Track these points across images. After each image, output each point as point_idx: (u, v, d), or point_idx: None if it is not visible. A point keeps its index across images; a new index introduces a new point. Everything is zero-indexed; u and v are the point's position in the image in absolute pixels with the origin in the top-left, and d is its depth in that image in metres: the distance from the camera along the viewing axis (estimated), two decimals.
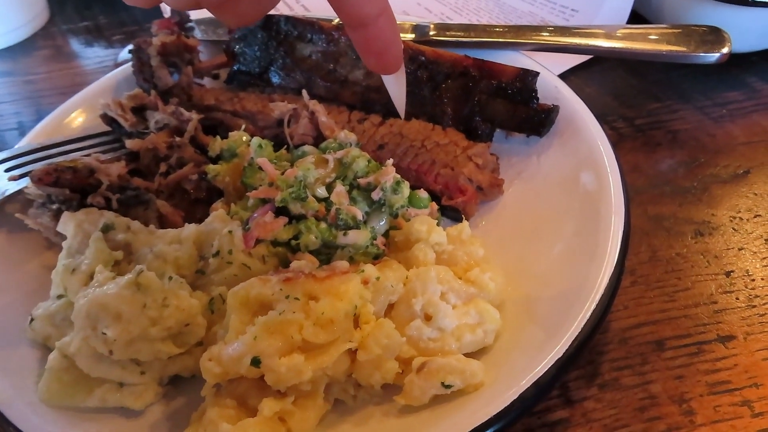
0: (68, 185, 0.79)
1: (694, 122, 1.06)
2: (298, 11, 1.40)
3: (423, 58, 0.94)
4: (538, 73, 0.89)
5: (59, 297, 0.71)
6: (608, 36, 1.01)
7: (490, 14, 1.34)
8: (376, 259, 0.74)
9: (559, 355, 0.61)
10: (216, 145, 0.87)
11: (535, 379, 0.60)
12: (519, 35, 1.04)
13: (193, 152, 0.90)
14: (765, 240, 0.86)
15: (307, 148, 0.85)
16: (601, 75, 1.18)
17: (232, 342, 0.61)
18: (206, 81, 1.08)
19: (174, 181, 0.86)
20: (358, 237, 0.74)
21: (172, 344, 0.66)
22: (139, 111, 0.95)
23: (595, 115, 0.87)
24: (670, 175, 0.97)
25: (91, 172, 0.79)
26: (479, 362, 0.64)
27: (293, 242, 0.74)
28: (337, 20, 1.05)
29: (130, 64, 1.02)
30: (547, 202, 0.84)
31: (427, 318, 0.67)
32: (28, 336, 0.72)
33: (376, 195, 0.77)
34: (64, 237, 0.77)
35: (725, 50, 0.96)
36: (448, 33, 1.07)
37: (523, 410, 0.60)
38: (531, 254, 0.78)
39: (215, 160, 0.87)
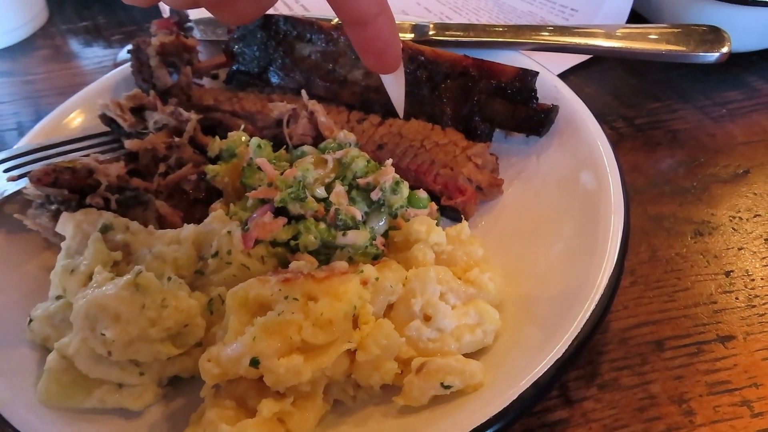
0: (67, 186, 0.79)
1: (693, 122, 1.06)
2: (298, 11, 1.40)
3: (422, 57, 0.94)
4: (537, 73, 0.89)
5: (58, 298, 0.71)
6: (608, 35, 1.01)
7: (489, 14, 1.34)
8: (375, 259, 0.74)
9: (559, 356, 0.61)
10: (215, 145, 0.87)
11: (534, 380, 0.59)
12: (518, 35, 1.03)
13: (192, 152, 0.90)
14: (765, 240, 0.86)
15: (306, 148, 0.85)
16: (601, 75, 1.17)
17: (230, 343, 0.61)
18: (205, 81, 1.08)
19: (173, 182, 0.86)
20: (357, 237, 0.74)
21: (171, 345, 0.66)
22: (138, 111, 0.94)
23: (594, 115, 0.87)
24: (669, 175, 0.97)
25: (89, 172, 0.79)
26: (478, 362, 0.64)
27: (292, 243, 0.74)
28: (336, 20, 1.05)
29: (129, 64, 1.02)
30: (547, 202, 0.84)
31: (427, 318, 0.67)
32: (26, 337, 0.72)
33: (375, 195, 0.77)
34: (62, 237, 0.76)
35: (725, 50, 0.96)
36: (447, 33, 1.07)
37: (523, 411, 0.59)
38: (530, 254, 0.78)
39: (214, 161, 0.87)
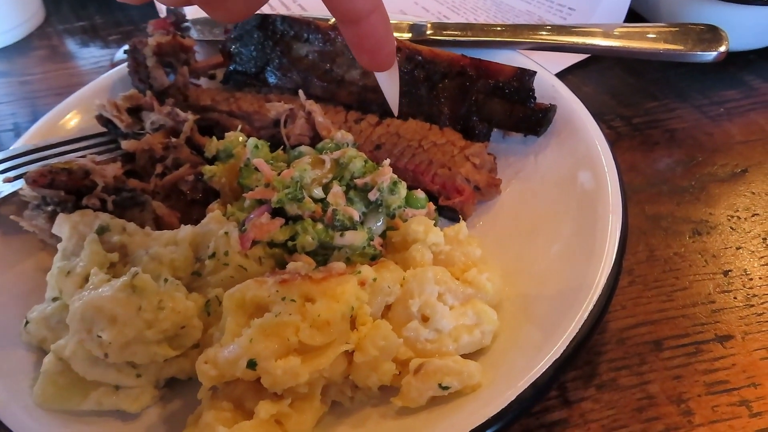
0: (63, 187, 0.79)
1: (691, 121, 1.06)
2: (295, 11, 1.39)
3: (420, 57, 0.93)
4: (535, 73, 0.89)
5: (54, 299, 0.71)
6: (606, 35, 1.01)
7: (487, 13, 1.34)
8: (373, 259, 0.74)
9: (557, 356, 0.61)
10: (212, 145, 0.86)
11: (532, 380, 0.59)
12: (516, 34, 1.03)
13: (189, 153, 0.89)
14: (763, 239, 0.86)
15: (303, 148, 0.85)
16: (599, 74, 1.17)
17: (227, 344, 0.61)
18: (202, 81, 1.08)
19: (170, 182, 0.86)
20: (354, 238, 0.73)
21: (167, 347, 0.65)
22: (135, 112, 0.94)
23: (592, 114, 0.87)
24: (667, 174, 0.97)
25: (86, 173, 0.79)
26: (477, 363, 0.64)
27: (290, 243, 0.74)
28: (333, 20, 1.04)
29: (125, 64, 1.01)
30: (545, 202, 0.83)
31: (425, 319, 0.67)
32: (23, 339, 0.72)
33: (372, 195, 0.77)
34: (59, 239, 0.76)
35: (722, 49, 0.96)
36: (445, 32, 1.07)
37: (521, 411, 0.59)
38: (528, 254, 0.78)
39: (211, 161, 0.87)
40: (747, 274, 0.81)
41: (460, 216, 0.84)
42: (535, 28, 1.04)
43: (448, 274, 0.70)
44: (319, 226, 0.74)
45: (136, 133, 0.92)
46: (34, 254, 0.83)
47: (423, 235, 0.74)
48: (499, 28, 1.05)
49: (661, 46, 0.98)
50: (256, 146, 0.81)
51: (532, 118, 0.89)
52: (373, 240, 0.76)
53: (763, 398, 0.68)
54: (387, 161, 0.79)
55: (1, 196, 0.84)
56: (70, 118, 1.00)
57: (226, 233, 0.72)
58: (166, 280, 0.67)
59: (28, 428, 0.63)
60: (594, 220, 0.74)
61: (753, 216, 0.89)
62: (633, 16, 1.25)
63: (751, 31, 1.13)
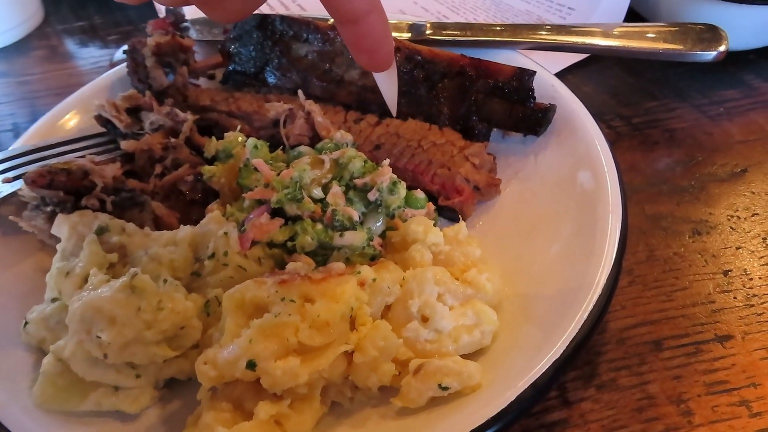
0: (62, 187, 0.78)
1: (691, 120, 1.06)
2: (295, 11, 1.39)
3: (419, 57, 0.93)
4: (534, 72, 0.89)
5: (53, 300, 0.71)
6: (605, 34, 1.01)
7: (486, 13, 1.34)
8: (372, 260, 0.74)
9: (557, 356, 0.61)
10: (211, 146, 0.86)
11: (532, 381, 0.59)
12: (516, 34, 1.03)
13: (189, 153, 0.89)
14: (763, 239, 0.86)
15: (303, 148, 0.85)
16: (598, 73, 1.17)
17: (227, 345, 0.60)
18: (202, 81, 1.08)
19: (169, 183, 0.86)
20: (354, 238, 0.73)
21: (167, 347, 0.65)
22: (134, 112, 0.94)
23: (592, 114, 0.87)
24: (667, 174, 0.97)
25: (85, 174, 0.79)
26: (476, 364, 0.64)
27: (289, 244, 0.74)
28: (332, 20, 1.04)
29: (124, 64, 1.01)
30: (545, 202, 0.83)
31: (424, 319, 0.66)
32: (22, 339, 0.72)
33: (372, 196, 0.77)
34: (58, 239, 0.76)
35: (722, 48, 0.96)
36: (444, 32, 1.06)
37: (521, 412, 0.59)
38: (528, 254, 0.78)
39: (211, 161, 0.86)
40: (747, 274, 0.81)
41: (459, 216, 0.84)
42: (535, 27, 1.04)
43: (448, 274, 0.70)
44: (319, 226, 0.74)
45: (135, 133, 0.92)
46: (34, 255, 0.83)
47: (422, 236, 0.74)
48: (498, 28, 1.04)
49: (661, 45, 0.98)
50: (256, 146, 0.81)
51: (532, 118, 0.89)
52: (372, 240, 0.75)
53: (763, 398, 0.68)
54: (386, 161, 0.79)
55: (1, 197, 0.83)
56: (69, 118, 1.00)
57: (226, 233, 0.72)
58: (165, 281, 0.67)
59: (27, 429, 0.63)
60: (594, 219, 0.74)
61: (753, 216, 0.89)
62: (633, 15, 1.25)
63: (751, 30, 1.13)
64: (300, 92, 0.93)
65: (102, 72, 1.09)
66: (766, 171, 0.96)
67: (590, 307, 0.64)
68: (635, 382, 0.71)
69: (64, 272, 0.70)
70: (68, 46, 1.45)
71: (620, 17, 1.22)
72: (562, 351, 0.61)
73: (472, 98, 0.90)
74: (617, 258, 0.68)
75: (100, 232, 0.74)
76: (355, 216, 0.75)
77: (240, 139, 0.86)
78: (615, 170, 0.78)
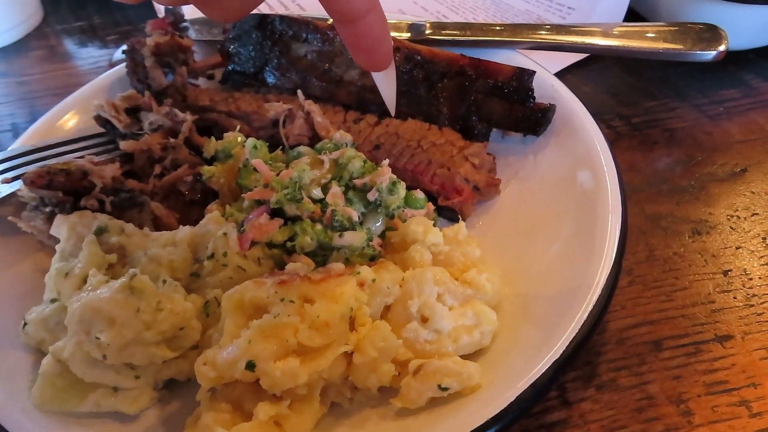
0: (61, 188, 0.78)
1: (690, 120, 1.06)
2: (294, 10, 1.39)
3: (419, 57, 0.93)
4: (534, 72, 0.89)
5: (53, 301, 0.71)
6: (605, 34, 1.01)
7: (486, 12, 1.33)
8: (372, 260, 0.74)
9: (557, 357, 0.61)
10: (211, 146, 0.86)
11: (532, 381, 0.59)
12: (516, 34, 1.03)
13: (188, 153, 0.89)
14: (762, 238, 0.86)
15: (302, 148, 0.85)
16: (598, 73, 1.17)
17: (226, 346, 0.60)
18: (201, 81, 1.08)
19: (168, 183, 0.86)
20: (353, 238, 0.73)
21: (166, 348, 0.65)
22: (133, 112, 0.94)
23: (591, 114, 0.87)
24: (667, 174, 0.97)
25: (84, 174, 0.79)
26: (476, 364, 0.64)
27: (289, 244, 0.74)
28: (332, 20, 1.04)
29: (123, 64, 1.01)
30: (544, 202, 0.83)
31: (424, 320, 0.66)
32: (21, 340, 0.72)
33: (371, 196, 0.77)
34: (57, 240, 0.76)
35: (722, 48, 0.96)
36: (444, 32, 1.06)
37: (521, 412, 0.59)
38: (528, 254, 0.78)
39: (210, 162, 0.86)
40: (747, 274, 0.81)
41: (459, 216, 0.84)
42: (535, 27, 1.04)
43: (448, 274, 0.70)
44: (318, 226, 0.74)
45: (134, 133, 0.92)
46: (33, 255, 0.83)
47: (422, 236, 0.74)
48: (498, 28, 1.04)
49: (661, 45, 0.98)
50: (255, 146, 0.81)
51: (532, 118, 0.89)
52: (372, 240, 0.75)
53: (762, 398, 0.68)
54: (386, 161, 0.79)
55: (0, 197, 0.83)
56: (69, 118, 1.00)
57: (225, 234, 0.72)
58: (164, 282, 0.67)
59: (26, 430, 0.63)
60: (593, 219, 0.74)
61: (752, 215, 0.89)
62: (632, 15, 1.25)
63: (751, 30, 1.13)
64: (299, 92, 0.93)
65: (101, 72, 1.09)
66: (766, 171, 0.96)
67: (590, 307, 0.64)
68: (635, 382, 0.71)
69: (63, 273, 0.70)
70: (67, 46, 1.45)
71: (620, 17, 1.22)
72: (561, 351, 0.61)
73: (472, 98, 0.90)
74: (617, 258, 0.68)
75: (99, 232, 0.74)
76: (355, 216, 0.75)
77: (239, 139, 0.86)
78: (615, 170, 0.78)
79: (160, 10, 1.34)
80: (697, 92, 1.11)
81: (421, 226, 0.74)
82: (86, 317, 0.63)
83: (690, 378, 0.70)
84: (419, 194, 0.82)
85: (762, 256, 0.83)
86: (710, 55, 0.96)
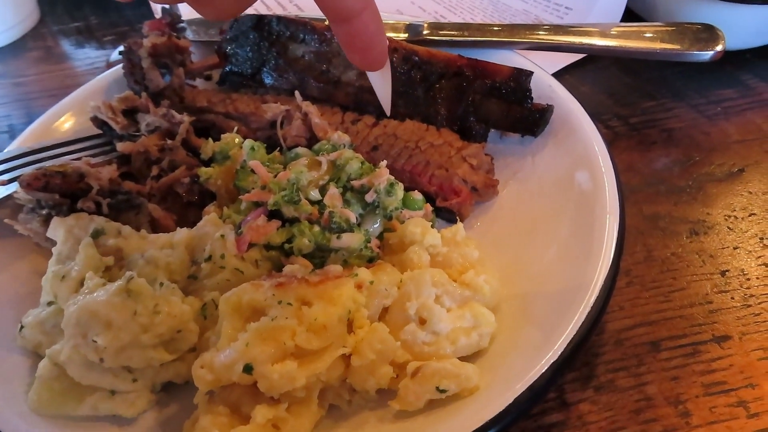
0: (58, 190, 0.78)
1: (688, 120, 1.06)
2: (291, 11, 1.39)
3: (416, 58, 0.93)
4: (532, 73, 0.89)
5: (49, 304, 0.70)
6: (602, 34, 1.01)
7: (484, 12, 1.33)
8: (370, 261, 0.74)
9: (555, 358, 0.61)
10: (208, 147, 0.86)
11: (530, 383, 0.59)
12: (513, 34, 1.03)
13: (185, 155, 0.89)
14: (760, 239, 0.86)
15: (300, 150, 0.85)
16: (595, 73, 1.17)
17: (224, 349, 0.60)
18: (198, 82, 1.07)
19: (166, 185, 0.86)
20: (351, 240, 0.73)
21: (164, 351, 0.65)
22: (130, 113, 0.93)
23: (589, 114, 0.87)
24: (664, 174, 0.97)
25: (80, 176, 0.78)
26: (474, 366, 0.64)
27: (286, 246, 0.74)
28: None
29: (120, 65, 1.01)
30: (543, 203, 0.83)
31: (422, 322, 0.66)
32: (18, 343, 0.71)
33: (369, 197, 0.76)
34: (54, 243, 0.76)
35: (719, 48, 0.96)
36: (441, 32, 1.06)
37: (519, 414, 0.59)
38: (526, 255, 0.78)
39: (207, 163, 0.86)
40: (744, 274, 0.81)
41: (457, 217, 0.84)
42: (532, 27, 1.04)
43: (446, 276, 0.70)
44: (316, 228, 0.74)
45: (131, 135, 0.91)
46: (30, 257, 0.82)
47: (420, 237, 0.73)
48: (496, 28, 1.04)
49: (658, 45, 0.98)
50: (253, 148, 0.81)
51: (530, 119, 0.89)
52: (370, 242, 0.75)
53: (760, 399, 0.68)
54: (384, 163, 0.79)
55: None
56: (65, 120, 1.00)
57: (222, 236, 0.72)
58: (161, 284, 0.67)
59: None
60: (591, 220, 0.74)
61: (750, 216, 0.89)
62: (630, 15, 1.25)
63: (748, 30, 1.13)
64: (297, 93, 0.92)
65: (98, 73, 1.09)
66: (763, 171, 0.96)
67: (588, 309, 0.64)
68: (633, 383, 0.71)
69: (60, 276, 0.70)
70: (64, 47, 1.44)
71: (617, 17, 1.22)
72: (560, 353, 0.61)
73: (470, 99, 0.90)
74: (615, 259, 0.68)
75: (96, 235, 0.74)
76: (353, 218, 0.74)
77: (237, 140, 0.85)
78: (612, 170, 0.78)
79: (157, 10, 1.34)
80: (695, 92, 1.11)
81: (419, 228, 0.74)
82: (83, 320, 0.62)
83: (688, 379, 0.71)
84: (417, 195, 0.81)
85: (759, 257, 0.83)
86: (707, 55, 0.96)
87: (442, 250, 0.74)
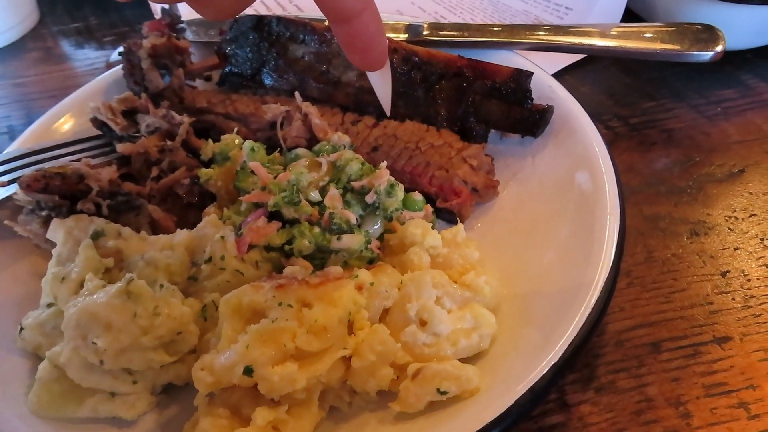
0: (57, 191, 0.78)
1: (688, 121, 1.06)
2: (291, 11, 1.39)
3: (416, 58, 0.93)
4: (532, 73, 0.89)
5: (49, 305, 0.70)
6: (602, 35, 1.01)
7: (484, 13, 1.33)
8: (370, 263, 0.74)
9: (556, 359, 0.61)
10: (208, 148, 0.86)
11: (531, 385, 0.59)
12: (513, 34, 1.03)
13: (185, 156, 0.89)
14: (760, 239, 0.86)
15: (300, 150, 0.85)
16: (596, 74, 1.17)
17: (224, 351, 0.60)
18: (198, 83, 1.07)
19: (166, 186, 0.86)
20: (352, 241, 0.73)
21: (164, 353, 0.65)
22: (130, 114, 0.93)
23: (589, 115, 0.86)
24: (665, 175, 0.97)
25: (80, 178, 0.78)
26: (475, 367, 0.64)
27: (287, 247, 0.74)
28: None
29: (120, 66, 1.01)
30: (543, 204, 0.83)
31: (422, 323, 0.66)
32: (18, 345, 0.71)
33: (370, 198, 0.76)
34: (54, 244, 0.76)
35: (719, 48, 0.96)
36: (441, 33, 1.06)
37: (520, 416, 0.59)
38: (526, 256, 0.78)
39: (207, 164, 0.86)
40: (745, 275, 0.81)
41: (457, 218, 0.84)
42: (532, 28, 1.04)
43: (446, 277, 0.70)
44: (316, 229, 0.74)
45: (131, 136, 0.91)
46: (30, 259, 0.82)
47: (420, 238, 0.73)
48: (496, 29, 1.04)
49: (658, 45, 0.98)
50: (253, 149, 0.81)
51: (530, 119, 0.88)
52: (370, 243, 0.75)
53: (761, 400, 0.68)
54: (384, 163, 0.79)
55: None
56: (65, 121, 1.00)
57: (223, 237, 0.72)
58: (161, 286, 0.67)
59: None
60: (592, 221, 0.74)
61: (750, 216, 0.89)
62: (630, 15, 1.25)
63: (748, 30, 1.13)
64: (297, 94, 0.92)
65: (98, 73, 1.09)
66: (764, 171, 0.96)
67: (589, 310, 0.64)
68: (634, 384, 0.71)
69: (60, 277, 0.70)
70: (64, 48, 1.44)
71: (617, 17, 1.21)
72: (560, 354, 0.61)
73: (470, 99, 0.90)
74: (615, 259, 0.68)
75: (96, 236, 0.74)
76: (353, 219, 0.74)
77: (237, 141, 0.85)
78: (613, 171, 0.78)
79: (157, 10, 1.33)
80: (695, 93, 1.11)
81: (420, 229, 0.74)
82: (83, 322, 0.62)
83: (689, 380, 0.70)
84: (417, 196, 0.81)
85: (760, 257, 0.83)
86: (708, 55, 0.96)
87: (443, 251, 0.74)
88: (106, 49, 1.42)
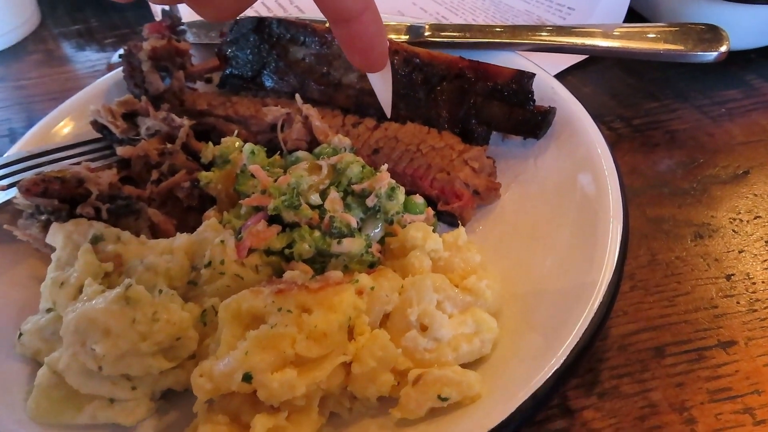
0: (57, 195, 0.78)
1: (692, 122, 1.05)
2: (292, 12, 1.38)
3: (417, 60, 0.92)
4: (534, 75, 0.88)
5: (48, 311, 0.70)
6: (605, 35, 1.00)
7: (486, 13, 1.32)
8: (371, 266, 0.73)
9: (558, 365, 0.60)
10: (208, 151, 0.86)
11: (533, 391, 0.58)
12: (515, 35, 1.02)
13: (185, 159, 0.88)
14: (765, 242, 0.85)
15: (300, 153, 0.84)
16: (598, 75, 1.16)
17: (223, 357, 0.60)
18: (199, 85, 1.07)
19: (166, 189, 0.85)
20: (352, 245, 0.72)
21: (163, 358, 0.64)
22: (130, 117, 0.93)
23: (592, 116, 0.86)
24: (668, 176, 0.96)
25: (80, 181, 0.78)
26: (476, 373, 0.63)
27: (287, 251, 0.73)
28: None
29: (121, 68, 1.00)
30: (545, 206, 0.82)
31: (423, 328, 0.66)
32: (17, 350, 0.71)
33: (370, 201, 0.76)
34: (53, 248, 0.75)
35: (723, 48, 0.95)
36: (443, 34, 1.05)
37: (522, 422, 0.58)
38: (529, 259, 0.77)
39: (207, 167, 0.86)
40: (750, 278, 0.80)
41: (459, 221, 0.83)
42: (534, 29, 1.03)
43: (447, 281, 0.70)
44: (317, 233, 0.73)
45: (131, 138, 0.91)
46: (29, 263, 0.82)
47: (422, 242, 0.73)
48: (497, 29, 1.03)
49: (662, 46, 0.97)
50: (253, 152, 0.80)
51: (532, 121, 0.88)
52: (371, 247, 0.75)
53: (767, 405, 0.67)
54: (385, 166, 0.78)
55: None
56: (65, 124, 0.99)
57: (222, 241, 0.72)
58: (160, 291, 0.66)
59: None
60: (595, 224, 0.73)
61: (755, 218, 0.88)
62: (633, 15, 1.24)
63: (752, 30, 1.12)
64: (297, 96, 0.92)
65: (99, 76, 1.08)
66: None
67: (592, 314, 0.63)
68: (637, 389, 0.70)
69: (59, 282, 0.70)
70: (65, 50, 1.44)
71: (620, 17, 1.21)
72: (563, 359, 0.60)
73: (471, 101, 0.90)
74: (618, 263, 0.68)
75: (95, 241, 0.73)
76: (353, 222, 0.74)
77: (237, 144, 0.85)
78: (616, 173, 0.77)
79: (157, 12, 1.33)
80: (699, 93, 1.10)
81: (421, 232, 0.73)
82: (81, 328, 0.62)
83: (693, 385, 0.70)
84: (418, 199, 0.81)
85: (765, 260, 0.82)
86: (711, 55, 0.95)
87: (444, 255, 0.74)
88: (107, 51, 1.41)
